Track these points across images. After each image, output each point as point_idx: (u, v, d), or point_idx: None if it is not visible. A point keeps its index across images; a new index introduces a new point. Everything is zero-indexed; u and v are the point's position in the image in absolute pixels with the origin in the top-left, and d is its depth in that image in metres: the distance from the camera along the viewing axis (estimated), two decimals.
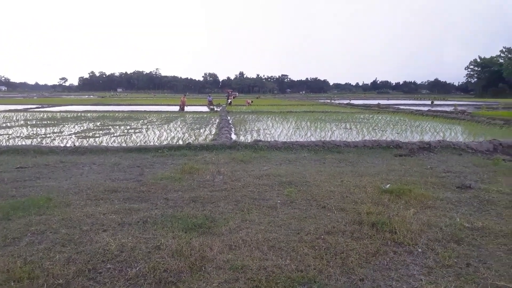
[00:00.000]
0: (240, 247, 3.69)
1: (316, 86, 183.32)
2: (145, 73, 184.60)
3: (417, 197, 5.30)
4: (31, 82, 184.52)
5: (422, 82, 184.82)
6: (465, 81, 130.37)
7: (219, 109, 30.20)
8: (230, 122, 18.32)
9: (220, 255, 3.50)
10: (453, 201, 5.24)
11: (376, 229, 4.13)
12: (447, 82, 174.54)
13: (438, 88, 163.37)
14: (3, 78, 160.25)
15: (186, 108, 30.39)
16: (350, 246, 3.72)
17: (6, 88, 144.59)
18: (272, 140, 11.11)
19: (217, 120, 19.13)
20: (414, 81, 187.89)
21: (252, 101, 43.57)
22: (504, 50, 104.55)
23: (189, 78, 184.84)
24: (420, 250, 3.70)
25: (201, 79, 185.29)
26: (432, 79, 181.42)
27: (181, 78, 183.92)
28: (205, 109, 32.19)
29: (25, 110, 28.44)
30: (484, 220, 4.48)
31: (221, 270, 3.24)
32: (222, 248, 3.64)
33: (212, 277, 3.13)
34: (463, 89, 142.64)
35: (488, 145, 10.09)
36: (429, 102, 51.55)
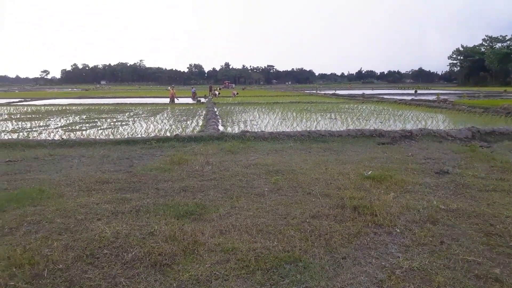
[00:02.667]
0: (230, 231, 3.88)
1: (302, 77, 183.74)
2: (129, 65, 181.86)
3: (397, 182, 5.57)
4: (12, 75, 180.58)
5: (406, 71, 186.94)
6: (448, 70, 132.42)
7: (205, 101, 30.23)
8: (217, 113, 18.43)
9: (211, 239, 3.69)
10: (431, 186, 5.52)
11: (358, 212, 4.37)
12: (431, 71, 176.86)
13: (422, 77, 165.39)
14: None
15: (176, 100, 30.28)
16: (333, 228, 3.95)
17: None
18: (259, 131, 11.30)
19: (204, 112, 19.22)
20: (398, 71, 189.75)
21: (238, 93, 43.68)
22: (486, 38, 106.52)
23: (174, 69, 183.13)
24: (398, 230, 3.96)
25: (186, 70, 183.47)
26: (416, 68, 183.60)
27: (165, 69, 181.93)
28: (191, 100, 32.16)
29: (8, 104, 27.96)
30: (459, 203, 4.76)
31: (213, 252, 3.44)
32: (213, 233, 3.83)
33: (204, 259, 3.32)
34: (446, 78, 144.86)
35: (467, 132, 10.46)
36: (412, 92, 52.36)
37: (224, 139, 9.87)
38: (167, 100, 30.34)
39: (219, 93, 41.76)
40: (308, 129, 11.36)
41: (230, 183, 5.67)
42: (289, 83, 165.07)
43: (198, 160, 7.20)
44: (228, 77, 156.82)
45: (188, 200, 4.85)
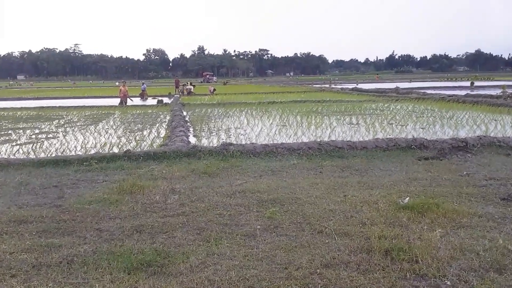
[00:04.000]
0: None
1: (309, 65, 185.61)
2: (58, 51, 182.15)
3: (446, 213, 5.61)
4: None
5: (458, 55, 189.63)
6: None
7: (170, 102, 30.22)
8: (186, 119, 18.48)
9: None
10: (495, 218, 5.57)
11: (390, 258, 4.38)
12: (493, 54, 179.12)
13: (480, 63, 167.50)
14: None
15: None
16: (356, 282, 3.95)
17: None
18: (248, 143, 11.33)
19: (168, 117, 19.24)
20: (446, 55, 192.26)
21: (215, 89, 43.90)
22: None
23: (124, 57, 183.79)
24: (449, 283, 3.96)
25: (143, 58, 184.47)
26: (472, 51, 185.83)
27: (112, 57, 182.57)
28: (150, 101, 32.27)
29: None
30: None
31: None
32: None
33: None
34: None
35: None
36: (467, 84, 53.02)
37: (197, 155, 9.87)
38: (115, 101, 30.40)
39: (192, 92, 41.85)
40: (319, 140, 11.42)
41: (205, 219, 5.65)
42: (291, 74, 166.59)
43: (159, 187, 7.17)
44: (203, 66, 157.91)
45: (144, 245, 4.82)
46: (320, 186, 7.17)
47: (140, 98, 35.78)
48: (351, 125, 15.72)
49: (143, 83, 42.93)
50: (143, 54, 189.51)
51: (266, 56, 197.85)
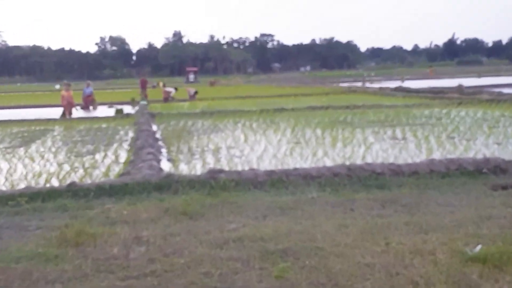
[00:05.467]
0: None
1: (332, 55, 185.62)
2: None
3: None
4: None
5: None
6: None
7: (133, 111, 30.53)
8: (158, 135, 18.50)
9: None
10: None
11: None
12: None
13: None
14: None
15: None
16: None
17: None
18: (247, 168, 11.33)
19: (131, 134, 19.27)
20: None
21: (197, 91, 43.91)
22: None
23: (68, 49, 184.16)
24: None
25: (95, 50, 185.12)
26: None
27: (50, 50, 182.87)
28: (104, 111, 32.54)
29: None
30: None
31: None
32: None
33: None
34: None
35: None
36: None
37: (172, 188, 9.84)
38: (55, 112, 30.61)
39: (171, 97, 41.85)
40: (348, 163, 11.43)
41: (185, 281, 5.60)
42: (307, 68, 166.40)
43: (118, 236, 7.12)
44: (182, 59, 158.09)
45: None
46: (351, 230, 7.08)
47: (83, 108, 35.65)
48: (395, 140, 15.72)
49: (88, 85, 41.58)
50: (96, 45, 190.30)
51: (270, 43, 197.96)
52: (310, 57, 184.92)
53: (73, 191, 9.76)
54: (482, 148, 13.88)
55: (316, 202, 8.87)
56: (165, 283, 5.60)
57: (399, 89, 42.08)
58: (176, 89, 45.79)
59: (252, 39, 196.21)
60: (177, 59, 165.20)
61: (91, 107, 36.09)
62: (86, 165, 13.43)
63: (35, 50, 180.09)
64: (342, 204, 8.71)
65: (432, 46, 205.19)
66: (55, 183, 11.11)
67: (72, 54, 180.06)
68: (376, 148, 14.46)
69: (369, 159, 12.53)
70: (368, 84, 58.26)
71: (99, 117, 27.99)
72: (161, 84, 46.47)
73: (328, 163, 12.25)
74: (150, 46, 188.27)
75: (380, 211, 8.21)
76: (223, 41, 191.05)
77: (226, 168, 11.39)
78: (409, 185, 9.86)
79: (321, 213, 8.14)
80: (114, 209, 8.72)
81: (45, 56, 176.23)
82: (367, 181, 10.13)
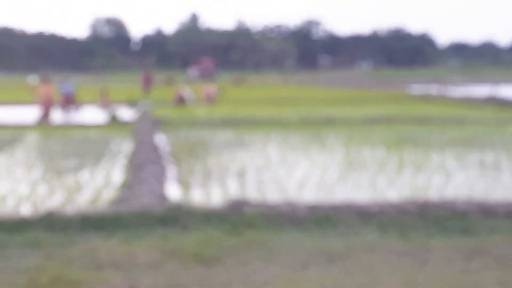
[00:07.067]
0: None
1: (401, 50, 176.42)
2: None
3: None
4: None
5: None
6: None
7: (132, 116, 29.62)
8: (164, 150, 17.40)
9: None
10: None
11: None
12: None
13: None
14: None
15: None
16: None
17: None
18: (282, 200, 10.48)
19: (128, 146, 18.30)
20: None
21: (217, 92, 41.78)
22: None
23: (48, 33, 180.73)
24: None
25: (85, 36, 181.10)
26: None
27: (23, 33, 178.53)
28: (94, 115, 31.70)
29: None
30: None
31: None
32: None
33: None
34: None
35: None
36: None
37: (181, 222, 9.02)
38: (29, 114, 29.56)
39: (185, 99, 38.44)
40: (420, 197, 10.58)
41: None
42: (368, 64, 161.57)
43: (107, 284, 6.55)
44: (198, 48, 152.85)
45: None
46: None
47: (62, 107, 33.25)
48: (484, 168, 14.22)
49: (65, 82, 37.70)
50: (88, 29, 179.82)
51: (317, 31, 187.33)
52: (369, 51, 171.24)
53: (50, 221, 8.99)
54: None
55: (375, 249, 7.98)
56: None
57: (491, 98, 41.21)
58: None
59: (293, 26, 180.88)
60: (192, 48, 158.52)
61: (72, 106, 33.59)
62: (68, 187, 12.24)
63: (7, 32, 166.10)
64: (411, 253, 7.85)
65: None
66: (25, 210, 10.18)
67: (53, 39, 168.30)
68: (459, 178, 13.06)
69: (449, 193, 11.37)
70: (449, 91, 52.45)
71: (87, 124, 27.25)
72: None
73: (393, 196, 11.11)
74: (158, 32, 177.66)
75: (464, 265, 7.34)
76: (254, 28, 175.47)
77: (254, 198, 10.51)
78: (504, 230, 8.74)
79: (383, 265, 7.34)
80: (103, 248, 8.06)
81: (17, 39, 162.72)
82: (446, 223, 8.98)
